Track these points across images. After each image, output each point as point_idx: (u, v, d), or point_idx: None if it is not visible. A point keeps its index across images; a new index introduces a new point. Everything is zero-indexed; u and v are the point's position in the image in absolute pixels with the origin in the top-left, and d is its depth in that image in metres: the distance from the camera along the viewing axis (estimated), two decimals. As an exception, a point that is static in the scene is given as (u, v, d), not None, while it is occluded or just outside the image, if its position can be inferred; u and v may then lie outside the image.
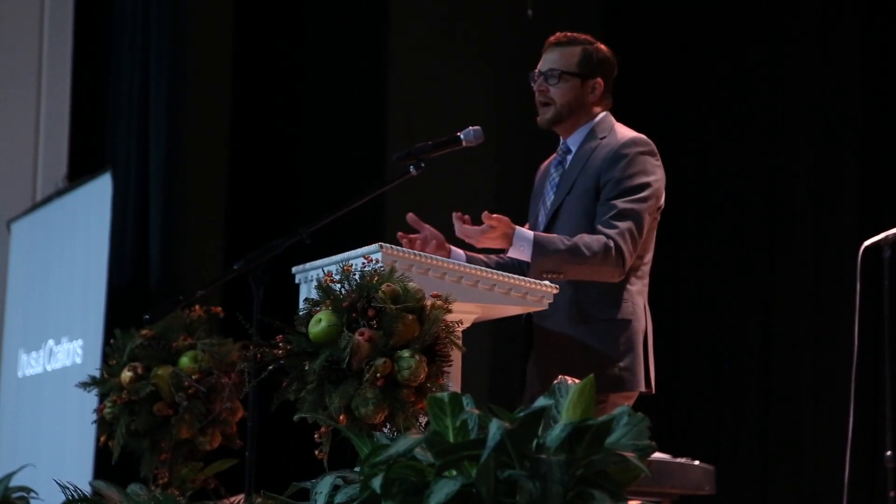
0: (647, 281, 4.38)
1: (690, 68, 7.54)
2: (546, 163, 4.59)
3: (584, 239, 4.18)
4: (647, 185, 4.29)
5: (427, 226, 4.30)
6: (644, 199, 4.27)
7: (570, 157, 4.44)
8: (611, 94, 4.48)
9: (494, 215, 4.13)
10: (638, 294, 4.33)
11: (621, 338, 4.27)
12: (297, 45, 7.89)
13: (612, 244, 4.18)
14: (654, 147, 4.37)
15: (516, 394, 4.42)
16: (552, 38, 4.47)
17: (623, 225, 4.22)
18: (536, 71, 4.45)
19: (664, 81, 7.57)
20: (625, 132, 4.40)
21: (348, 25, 7.81)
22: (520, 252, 4.14)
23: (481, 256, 4.42)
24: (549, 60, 4.44)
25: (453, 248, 4.34)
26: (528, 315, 4.35)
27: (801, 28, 7.14)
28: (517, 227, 4.16)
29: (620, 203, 4.24)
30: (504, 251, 4.23)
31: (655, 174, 4.33)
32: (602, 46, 4.47)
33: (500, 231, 4.12)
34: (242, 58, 7.87)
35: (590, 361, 4.17)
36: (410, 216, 4.28)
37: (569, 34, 4.46)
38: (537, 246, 4.14)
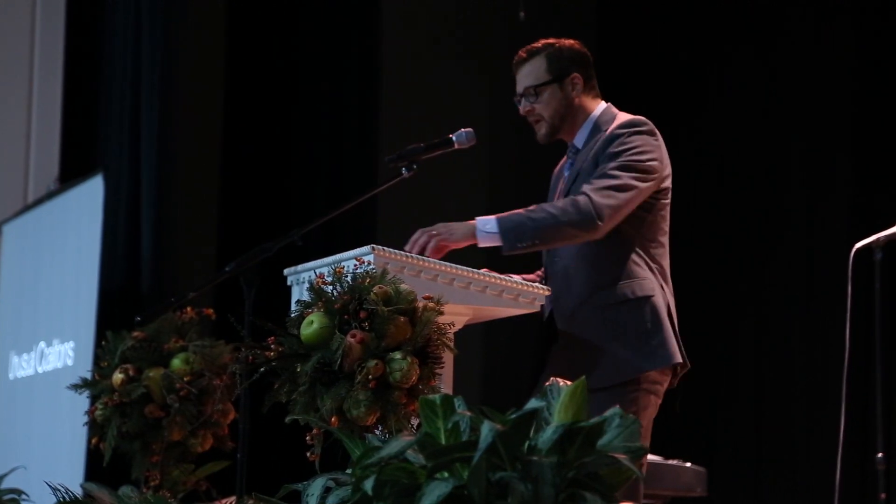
0: (665, 264, 4.31)
1: (683, 68, 7.54)
2: (559, 165, 4.55)
3: (551, 202, 4.15)
4: (637, 154, 4.19)
5: None
6: (631, 166, 4.17)
7: (579, 156, 4.41)
8: (595, 80, 4.42)
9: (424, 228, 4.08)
10: (658, 272, 4.26)
11: (647, 315, 4.22)
12: (289, 48, 7.89)
13: (583, 198, 4.09)
14: (652, 126, 4.27)
15: (529, 385, 4.34)
16: (515, 59, 4.41)
17: (601, 182, 4.13)
18: (516, 97, 4.42)
19: (657, 81, 7.57)
20: (625, 117, 4.34)
21: (341, 28, 7.81)
22: (489, 238, 4.08)
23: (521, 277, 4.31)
24: (520, 81, 4.38)
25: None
26: (551, 311, 4.30)
27: (795, 28, 7.15)
28: (477, 219, 4.09)
29: (606, 169, 4.17)
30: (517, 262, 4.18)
31: (649, 150, 4.22)
32: (566, 42, 4.39)
33: (450, 230, 4.06)
34: (235, 60, 7.86)
35: (620, 342, 4.15)
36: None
37: (528, 48, 4.40)
38: (501, 220, 4.08)
